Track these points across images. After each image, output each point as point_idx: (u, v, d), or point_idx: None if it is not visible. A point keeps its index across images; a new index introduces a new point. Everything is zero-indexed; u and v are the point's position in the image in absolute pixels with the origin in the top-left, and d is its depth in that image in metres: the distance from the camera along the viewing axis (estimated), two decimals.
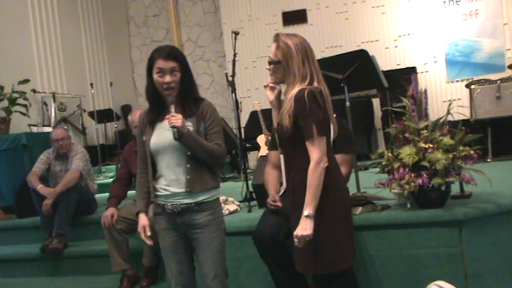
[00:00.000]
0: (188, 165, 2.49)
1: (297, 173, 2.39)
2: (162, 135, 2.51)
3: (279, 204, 2.95)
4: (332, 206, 2.36)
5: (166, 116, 2.43)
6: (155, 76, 2.49)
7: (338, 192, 2.42)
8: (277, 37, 2.45)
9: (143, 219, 2.61)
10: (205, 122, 2.54)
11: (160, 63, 2.47)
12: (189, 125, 2.50)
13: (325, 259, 2.37)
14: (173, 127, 2.39)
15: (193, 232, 2.54)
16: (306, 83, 2.36)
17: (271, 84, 2.54)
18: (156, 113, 2.57)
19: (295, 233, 2.29)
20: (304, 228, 2.26)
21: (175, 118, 2.39)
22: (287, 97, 2.39)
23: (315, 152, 2.29)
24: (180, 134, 2.39)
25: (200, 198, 2.51)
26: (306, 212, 2.27)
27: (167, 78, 2.46)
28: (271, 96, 2.56)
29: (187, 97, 2.54)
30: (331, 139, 2.52)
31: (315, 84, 2.38)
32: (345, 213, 2.46)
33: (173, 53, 2.51)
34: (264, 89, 2.59)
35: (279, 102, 2.54)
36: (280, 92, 2.55)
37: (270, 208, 3.00)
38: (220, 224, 2.60)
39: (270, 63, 2.47)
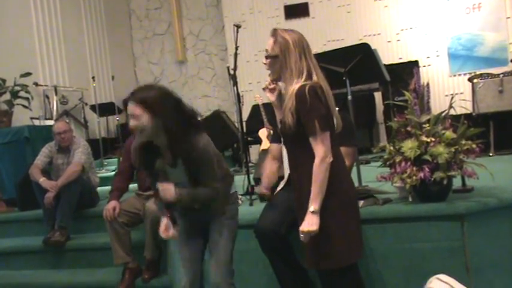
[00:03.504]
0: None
1: (303, 169, 2.38)
2: (170, 175, 2.58)
3: (266, 192, 2.96)
4: (340, 200, 2.37)
5: (158, 187, 2.47)
6: None
7: (344, 186, 2.43)
8: (274, 32, 2.45)
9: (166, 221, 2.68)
10: (192, 163, 2.49)
11: (128, 109, 2.41)
12: (180, 167, 2.51)
13: (333, 254, 2.38)
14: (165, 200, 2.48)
15: (206, 222, 2.68)
16: (304, 78, 2.35)
17: (271, 86, 2.53)
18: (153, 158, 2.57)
19: (301, 228, 2.31)
20: (310, 223, 2.28)
21: (166, 193, 2.45)
22: (287, 93, 2.38)
23: (320, 148, 2.29)
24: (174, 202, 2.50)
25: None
26: (311, 208, 2.28)
27: (130, 123, 2.40)
28: (272, 97, 2.55)
29: (176, 141, 2.42)
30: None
31: (314, 79, 2.37)
32: (351, 207, 2.46)
33: (134, 97, 2.39)
34: (264, 92, 2.59)
35: (280, 102, 2.54)
36: (280, 92, 2.54)
37: (258, 196, 3.02)
38: (234, 215, 2.73)
39: (267, 57, 2.46)
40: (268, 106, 6.08)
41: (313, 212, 2.28)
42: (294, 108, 2.32)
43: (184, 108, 2.47)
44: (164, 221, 2.59)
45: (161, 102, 2.36)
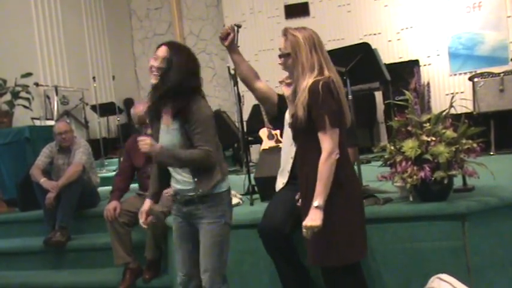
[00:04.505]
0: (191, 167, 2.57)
1: (311, 166, 2.37)
2: (163, 138, 2.60)
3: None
4: (345, 197, 2.36)
5: (138, 138, 2.50)
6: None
7: (351, 184, 2.42)
8: (285, 31, 2.47)
9: (145, 205, 2.73)
10: (189, 122, 2.52)
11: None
12: (175, 127, 2.54)
13: (336, 251, 2.37)
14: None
15: (195, 222, 2.63)
16: (316, 72, 2.36)
17: (288, 80, 2.54)
18: (154, 113, 2.64)
19: (304, 223, 2.28)
20: (314, 219, 2.25)
21: (143, 143, 2.46)
22: (300, 88, 2.38)
23: (327, 144, 2.29)
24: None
25: (201, 191, 2.57)
26: (315, 203, 2.26)
27: (150, 62, 2.52)
28: (287, 92, 2.57)
29: (174, 94, 2.51)
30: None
31: (326, 73, 2.37)
32: (356, 206, 2.45)
33: (166, 42, 2.57)
34: (280, 85, 2.60)
35: (295, 97, 2.54)
36: (296, 87, 2.54)
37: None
38: (220, 217, 2.60)
39: (280, 56, 2.47)
40: None
41: (317, 207, 2.26)
42: (306, 102, 2.32)
43: (197, 75, 2.61)
44: (145, 207, 2.69)
45: (183, 55, 2.55)
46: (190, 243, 2.68)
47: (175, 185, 2.66)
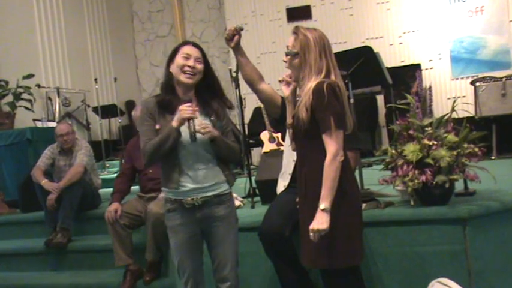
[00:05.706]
0: (208, 162, 2.53)
1: (310, 167, 2.37)
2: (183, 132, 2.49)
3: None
4: (347, 201, 2.35)
5: (200, 125, 2.44)
6: (179, 59, 2.50)
7: (353, 187, 2.42)
8: (296, 29, 2.45)
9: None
10: (221, 121, 2.59)
11: (187, 49, 2.52)
12: (209, 124, 2.51)
13: (338, 254, 2.35)
14: (206, 133, 2.44)
15: (213, 225, 2.58)
16: (322, 76, 2.35)
17: (288, 79, 2.53)
18: (169, 104, 2.53)
19: (310, 226, 2.25)
20: (321, 222, 2.23)
21: (208, 128, 2.44)
22: (303, 90, 2.37)
23: (332, 145, 2.27)
24: (209, 137, 2.47)
25: (219, 190, 2.56)
26: (322, 206, 2.23)
27: (191, 63, 2.49)
28: (286, 91, 2.54)
29: (210, 96, 2.59)
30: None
31: (332, 77, 2.36)
32: (356, 210, 2.44)
33: (201, 47, 2.59)
34: (279, 84, 2.58)
35: (294, 98, 2.53)
36: (296, 87, 2.54)
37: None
38: (236, 216, 2.69)
39: (287, 54, 2.45)
40: None
41: (323, 210, 2.23)
42: (309, 104, 2.30)
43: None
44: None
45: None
46: (200, 249, 2.68)
47: (188, 185, 2.50)
